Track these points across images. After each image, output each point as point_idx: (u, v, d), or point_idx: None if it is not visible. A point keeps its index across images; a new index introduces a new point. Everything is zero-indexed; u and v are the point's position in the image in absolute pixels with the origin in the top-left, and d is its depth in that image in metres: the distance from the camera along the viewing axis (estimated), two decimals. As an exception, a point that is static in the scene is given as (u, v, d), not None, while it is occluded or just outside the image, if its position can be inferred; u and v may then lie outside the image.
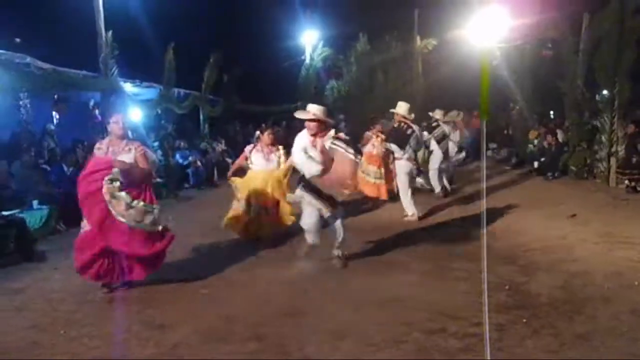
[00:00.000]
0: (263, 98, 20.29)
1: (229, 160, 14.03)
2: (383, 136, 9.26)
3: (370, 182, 9.12)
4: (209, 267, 6.10)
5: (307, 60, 20.08)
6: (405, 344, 4.11)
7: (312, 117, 5.96)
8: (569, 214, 8.47)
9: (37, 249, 7.18)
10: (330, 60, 19.83)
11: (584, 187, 11.45)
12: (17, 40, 17.14)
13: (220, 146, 16.09)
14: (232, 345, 4.19)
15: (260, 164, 7.44)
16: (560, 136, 13.91)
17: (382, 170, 9.14)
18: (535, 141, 14.47)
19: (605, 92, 12.41)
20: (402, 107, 9.12)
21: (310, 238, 6.25)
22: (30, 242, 7.16)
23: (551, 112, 18.28)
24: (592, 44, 12.53)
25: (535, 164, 13.68)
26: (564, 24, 13.02)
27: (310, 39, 20.57)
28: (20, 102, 11.11)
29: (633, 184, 10.54)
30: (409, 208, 8.60)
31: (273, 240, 7.19)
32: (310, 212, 6.06)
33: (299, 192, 6.07)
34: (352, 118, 16.73)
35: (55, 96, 13.04)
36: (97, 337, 4.38)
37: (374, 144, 9.35)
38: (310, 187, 5.94)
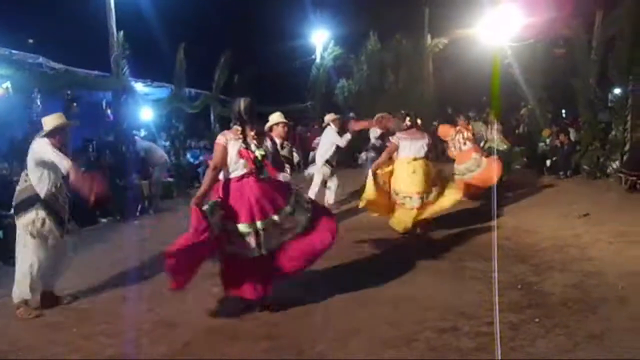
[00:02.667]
0: (274, 97, 20.28)
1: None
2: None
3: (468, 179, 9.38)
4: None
5: (318, 60, 20.06)
6: (416, 343, 4.10)
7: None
8: (581, 214, 8.40)
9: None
10: (341, 60, 19.78)
11: (596, 186, 11.35)
12: (30, 40, 17.31)
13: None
14: (243, 343, 4.20)
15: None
16: (572, 135, 13.80)
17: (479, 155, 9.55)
18: (547, 140, 14.37)
19: (618, 90, 12.31)
20: None
21: None
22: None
23: (563, 111, 18.15)
24: (605, 41, 12.43)
25: (548, 162, 13.58)
26: (576, 21, 12.92)
27: (320, 38, 20.55)
28: (33, 102, 11.21)
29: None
30: None
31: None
32: None
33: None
34: (363, 117, 16.69)
35: (68, 95, 13.10)
36: (110, 336, 4.41)
37: (459, 141, 9.67)
38: None
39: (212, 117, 17.93)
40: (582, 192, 10.59)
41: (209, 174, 4.67)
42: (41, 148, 4.91)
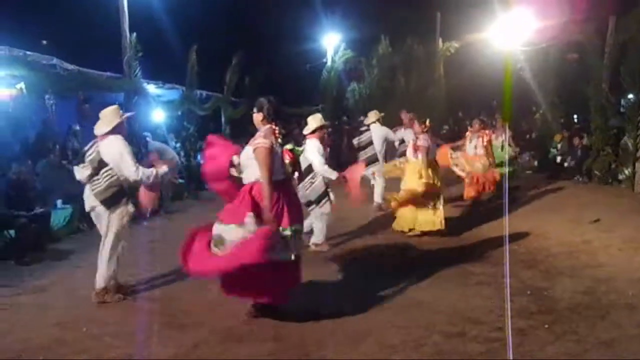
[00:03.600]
0: (284, 100, 20.30)
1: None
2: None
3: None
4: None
5: (329, 63, 20.07)
6: (424, 347, 4.09)
7: None
8: (592, 219, 8.35)
9: (57, 247, 7.31)
10: (352, 63, 19.77)
11: (608, 192, 11.27)
12: (44, 42, 17.46)
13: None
14: (251, 345, 4.21)
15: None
16: (585, 140, 13.71)
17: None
18: (559, 145, 14.29)
19: (630, 96, 12.21)
20: None
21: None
22: (45, 241, 7.31)
23: (575, 116, 18.02)
24: (618, 47, 12.34)
25: (565, 164, 13.48)
26: (589, 26, 12.84)
27: (331, 42, 20.56)
28: (46, 102, 11.31)
29: None
30: None
31: None
32: None
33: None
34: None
35: (81, 97, 13.21)
36: (118, 336, 4.43)
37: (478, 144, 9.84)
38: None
39: (222, 119, 18.00)
40: (592, 198, 10.52)
41: (267, 186, 4.32)
42: (121, 145, 5.23)
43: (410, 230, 7.72)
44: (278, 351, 4.09)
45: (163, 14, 16.75)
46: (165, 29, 17.37)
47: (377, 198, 9.65)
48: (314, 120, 7.09)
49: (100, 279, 5.25)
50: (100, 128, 5.38)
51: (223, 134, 17.16)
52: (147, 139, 11.69)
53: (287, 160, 4.55)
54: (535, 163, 15.60)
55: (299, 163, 4.87)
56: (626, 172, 11.66)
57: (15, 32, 11.64)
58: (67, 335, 4.47)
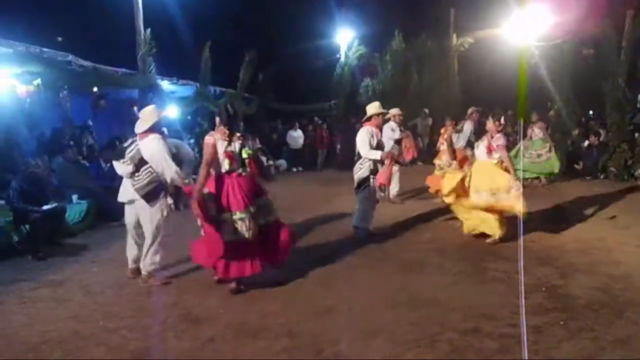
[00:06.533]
0: (298, 96, 20.36)
1: (263, 158, 14.11)
2: None
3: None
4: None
5: (342, 59, 20.01)
6: (438, 344, 4.08)
7: None
8: (608, 216, 8.28)
9: (73, 242, 7.39)
10: (365, 59, 19.70)
11: (624, 189, 11.16)
12: (59, 39, 17.62)
13: (256, 143, 16.20)
14: (265, 340, 4.23)
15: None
16: (602, 136, 13.58)
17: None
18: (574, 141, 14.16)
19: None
20: None
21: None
22: (61, 236, 7.42)
23: (590, 112, 17.85)
24: (635, 42, 12.20)
25: (576, 166, 13.38)
26: (605, 21, 12.70)
27: (345, 37, 20.50)
28: (61, 99, 11.42)
29: None
30: None
31: None
32: None
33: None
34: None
35: (95, 92, 13.31)
36: (134, 329, 4.48)
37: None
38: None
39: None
40: (608, 195, 10.42)
41: (202, 170, 5.28)
42: (161, 146, 5.61)
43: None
44: (292, 347, 4.11)
45: (177, 10, 16.82)
46: (179, 25, 17.46)
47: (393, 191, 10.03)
48: (370, 108, 7.45)
49: (146, 266, 5.68)
50: (140, 126, 5.66)
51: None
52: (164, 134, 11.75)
53: (225, 159, 5.26)
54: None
55: (257, 161, 5.63)
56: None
57: (32, 29, 11.77)
58: (84, 328, 4.53)
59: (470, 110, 10.76)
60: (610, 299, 4.96)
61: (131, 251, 5.89)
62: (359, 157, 7.30)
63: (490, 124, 7.08)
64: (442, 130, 10.48)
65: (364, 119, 7.49)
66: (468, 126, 10.64)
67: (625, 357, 3.84)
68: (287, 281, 5.65)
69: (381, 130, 7.69)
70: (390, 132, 9.74)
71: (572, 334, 4.21)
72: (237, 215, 5.19)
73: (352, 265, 6.20)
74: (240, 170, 5.32)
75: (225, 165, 5.29)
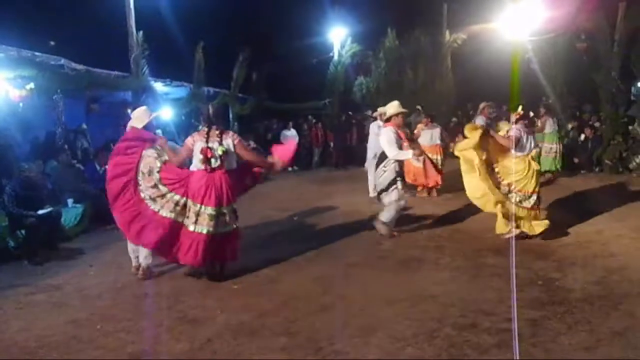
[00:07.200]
0: (292, 95, 20.35)
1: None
2: None
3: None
4: (239, 262, 6.13)
5: (336, 57, 19.99)
6: (436, 339, 4.09)
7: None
8: (604, 209, 8.28)
9: (69, 246, 7.39)
10: (359, 57, 19.67)
11: (618, 181, 11.19)
12: (52, 42, 17.55)
13: (250, 144, 16.18)
14: (263, 340, 4.23)
15: None
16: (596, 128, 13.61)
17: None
18: (570, 133, 14.17)
19: (641, 83, 12.13)
20: None
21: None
22: (57, 240, 7.40)
23: (584, 106, 17.86)
24: (628, 34, 12.23)
25: (575, 160, 13.40)
26: (598, 14, 12.72)
27: (338, 36, 20.47)
28: (55, 103, 11.37)
29: None
30: None
31: None
32: None
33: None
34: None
35: (89, 96, 13.28)
36: (132, 332, 4.47)
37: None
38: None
39: (230, 116, 18.02)
40: (603, 187, 10.45)
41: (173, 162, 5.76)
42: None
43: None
44: (290, 345, 4.11)
45: (169, 12, 16.80)
46: (171, 27, 17.41)
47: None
48: (390, 108, 7.24)
49: (145, 259, 5.85)
50: (134, 125, 5.94)
51: (231, 130, 17.19)
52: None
53: (200, 156, 5.47)
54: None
55: (223, 156, 5.53)
56: (637, 160, 11.58)
57: (24, 34, 11.70)
58: (82, 332, 4.52)
59: (482, 105, 10.83)
60: (606, 291, 4.98)
61: (133, 247, 5.97)
62: (381, 159, 7.09)
63: (512, 116, 7.05)
64: (419, 126, 10.29)
65: (385, 119, 7.33)
66: (480, 121, 10.68)
67: (622, 349, 3.85)
68: (284, 280, 5.66)
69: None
70: (377, 130, 9.81)
71: (568, 327, 4.22)
72: (209, 210, 5.41)
73: (349, 262, 6.20)
74: (216, 166, 5.47)
75: (197, 163, 5.53)
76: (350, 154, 16.51)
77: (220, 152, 5.45)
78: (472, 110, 18.60)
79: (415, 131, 9.82)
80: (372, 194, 10.22)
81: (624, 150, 12.25)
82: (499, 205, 6.69)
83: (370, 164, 10.05)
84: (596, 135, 13.18)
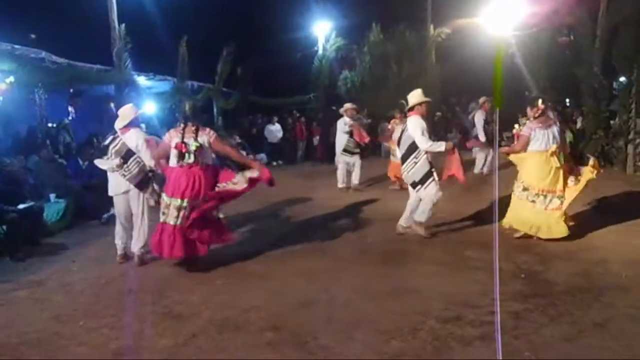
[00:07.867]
0: (277, 90, 20.30)
1: (244, 153, 14.03)
2: None
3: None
4: (224, 258, 6.12)
5: (320, 51, 19.96)
6: (420, 332, 4.11)
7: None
8: (586, 202, 8.36)
9: (52, 241, 7.31)
10: (343, 51, 19.66)
11: (600, 175, 11.27)
12: (32, 35, 17.30)
13: (235, 139, 16.12)
14: (248, 335, 4.22)
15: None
16: (579, 123, 13.75)
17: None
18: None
19: (622, 78, 12.24)
20: None
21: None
22: (39, 235, 7.31)
23: (567, 100, 18.04)
24: (610, 29, 12.33)
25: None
26: (580, 9, 12.81)
27: (322, 30, 20.44)
28: (36, 97, 11.23)
29: None
30: None
31: None
32: None
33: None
34: (367, 108, 16.68)
35: (71, 90, 13.13)
36: (116, 328, 4.43)
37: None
38: None
39: (214, 110, 17.93)
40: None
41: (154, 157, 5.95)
42: (142, 137, 6.19)
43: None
44: (276, 340, 4.10)
45: (152, 5, 16.62)
46: (154, 20, 17.24)
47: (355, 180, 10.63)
48: (413, 97, 6.88)
49: (139, 246, 6.13)
50: (120, 123, 6.08)
51: (215, 125, 17.12)
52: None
53: (175, 151, 5.66)
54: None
55: (197, 151, 5.65)
56: (618, 154, 11.71)
57: (3, 26, 11.52)
58: (64, 328, 4.47)
59: (482, 100, 10.90)
60: (588, 283, 5.04)
61: (120, 237, 6.26)
62: (410, 151, 6.69)
63: (529, 111, 6.66)
64: (392, 121, 10.21)
65: (407, 108, 6.92)
66: (480, 116, 10.73)
67: (604, 339, 3.90)
68: (269, 275, 5.65)
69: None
70: (343, 126, 10.03)
71: (551, 318, 4.27)
72: (185, 203, 5.59)
73: (334, 257, 6.21)
74: (190, 161, 5.61)
75: (172, 158, 5.72)
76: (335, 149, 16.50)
77: (194, 148, 5.58)
78: (457, 105, 18.77)
79: (389, 126, 9.85)
80: (341, 185, 10.62)
81: (606, 144, 12.38)
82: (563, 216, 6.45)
83: (339, 159, 10.59)
84: (578, 129, 13.33)
